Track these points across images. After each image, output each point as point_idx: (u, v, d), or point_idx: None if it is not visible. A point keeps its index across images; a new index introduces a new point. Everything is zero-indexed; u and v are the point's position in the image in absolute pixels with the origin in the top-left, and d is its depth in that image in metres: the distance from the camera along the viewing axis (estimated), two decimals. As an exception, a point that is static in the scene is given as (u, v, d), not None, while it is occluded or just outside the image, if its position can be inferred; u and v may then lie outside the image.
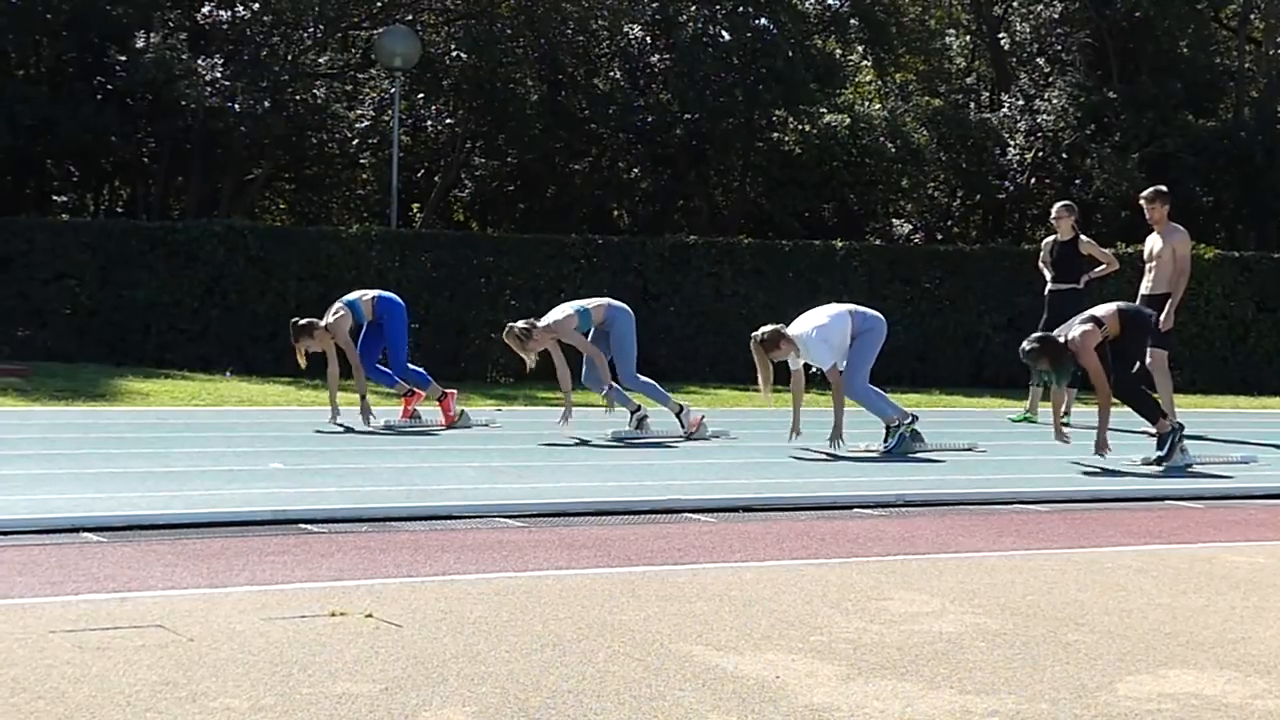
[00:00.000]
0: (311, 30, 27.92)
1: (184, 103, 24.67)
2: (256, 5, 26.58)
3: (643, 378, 13.92)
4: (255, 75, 25.59)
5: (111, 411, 15.23)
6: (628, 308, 14.13)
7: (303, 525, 8.39)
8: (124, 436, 12.62)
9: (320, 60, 29.31)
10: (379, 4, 28.12)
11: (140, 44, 25.49)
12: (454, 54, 27.96)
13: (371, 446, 12.26)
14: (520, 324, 13.67)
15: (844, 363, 12.88)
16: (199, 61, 24.73)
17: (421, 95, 29.85)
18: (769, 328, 12.80)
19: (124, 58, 25.70)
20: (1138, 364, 12.71)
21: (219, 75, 24.82)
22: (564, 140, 29.55)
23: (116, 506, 8.62)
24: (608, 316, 13.86)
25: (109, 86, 26.25)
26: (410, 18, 28.28)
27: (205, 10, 26.62)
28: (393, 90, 25.97)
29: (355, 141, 30.32)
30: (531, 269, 22.41)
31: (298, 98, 27.20)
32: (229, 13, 26.99)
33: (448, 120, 30.40)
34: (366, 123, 29.72)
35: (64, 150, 26.50)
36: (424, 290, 21.64)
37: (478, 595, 6.56)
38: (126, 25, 25.70)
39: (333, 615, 6.04)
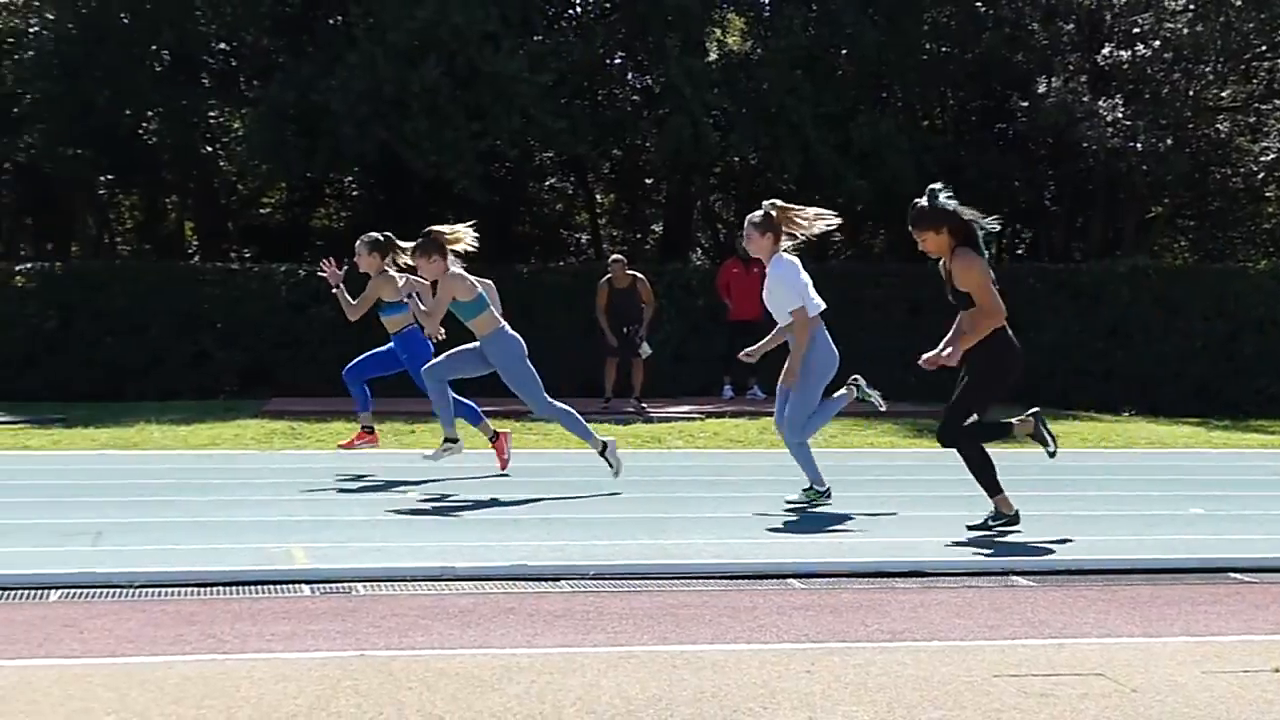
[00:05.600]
0: (1212, 64, 27.42)
1: (1085, 144, 24.86)
2: (1157, 43, 26.37)
3: (560, 405, 11.64)
4: (1156, 113, 25.42)
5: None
6: (520, 339, 11.62)
7: (1231, 574, 8.26)
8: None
9: (1222, 94, 28.74)
10: (1282, 33, 27.26)
11: (1041, 89, 25.94)
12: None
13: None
14: (449, 232, 11.61)
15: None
16: (1100, 102, 24.85)
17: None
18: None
19: (1025, 103, 26.26)
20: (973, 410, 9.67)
21: (1119, 115, 24.84)
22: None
23: (1048, 550, 8.78)
24: (492, 331, 11.52)
25: (1011, 132, 26.91)
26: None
27: (1105, 51, 26.66)
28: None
29: (1260, 175, 29.48)
30: None
31: (1199, 133, 26.80)
32: (1129, 52, 26.91)
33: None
34: (1272, 155, 28.82)
35: (971, 196, 27.27)
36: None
37: None
38: (1028, 71, 26.29)
39: (1276, 671, 5.93)
